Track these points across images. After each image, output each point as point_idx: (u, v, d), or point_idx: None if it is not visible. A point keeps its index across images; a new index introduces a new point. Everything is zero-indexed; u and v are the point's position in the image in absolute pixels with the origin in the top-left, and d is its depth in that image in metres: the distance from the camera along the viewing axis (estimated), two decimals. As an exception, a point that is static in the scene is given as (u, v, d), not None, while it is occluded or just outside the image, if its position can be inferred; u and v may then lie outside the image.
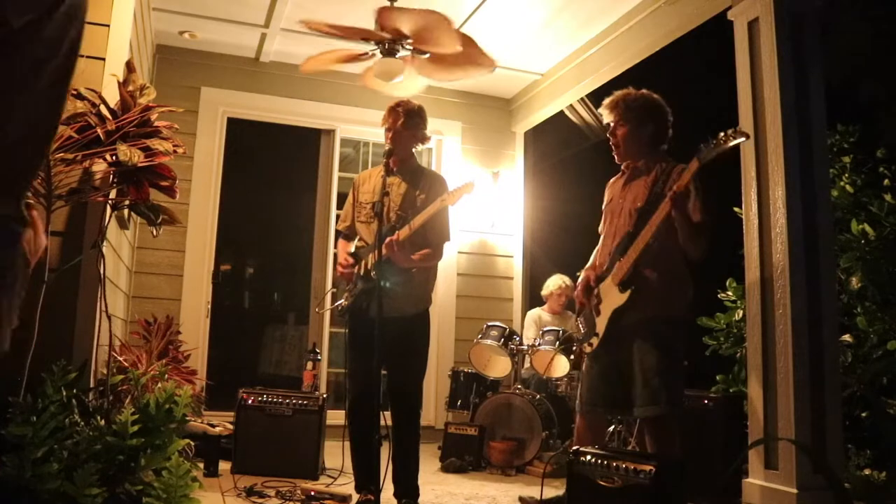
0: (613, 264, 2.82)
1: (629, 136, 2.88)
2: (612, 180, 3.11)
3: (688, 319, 2.86)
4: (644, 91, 2.93)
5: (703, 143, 2.58)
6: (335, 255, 5.44)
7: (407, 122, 3.14)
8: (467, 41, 3.69)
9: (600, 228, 3.13)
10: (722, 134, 2.53)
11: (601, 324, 2.84)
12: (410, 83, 4.05)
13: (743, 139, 2.53)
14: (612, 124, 2.92)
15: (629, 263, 2.74)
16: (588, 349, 2.90)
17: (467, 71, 3.99)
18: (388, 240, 2.93)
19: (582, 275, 3.04)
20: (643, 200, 2.79)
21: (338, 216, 5.44)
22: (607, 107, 2.94)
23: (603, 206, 3.09)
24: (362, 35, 3.74)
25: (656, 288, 2.74)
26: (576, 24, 4.82)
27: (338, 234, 3.45)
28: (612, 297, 2.80)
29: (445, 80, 4.11)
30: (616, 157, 2.96)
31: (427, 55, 3.82)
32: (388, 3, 3.97)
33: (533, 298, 5.70)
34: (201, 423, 4.01)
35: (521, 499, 3.49)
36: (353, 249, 3.25)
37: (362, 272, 3.11)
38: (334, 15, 4.30)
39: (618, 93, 2.95)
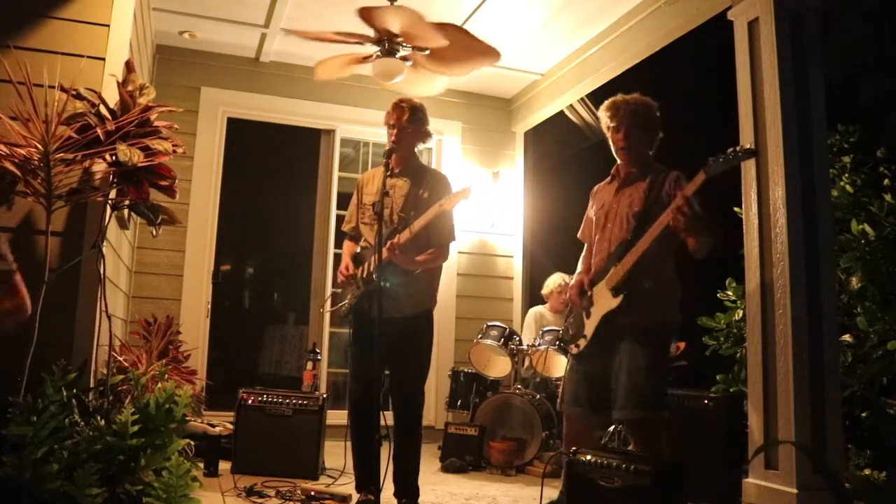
0: (609, 269, 2.83)
1: (634, 140, 2.88)
2: (598, 186, 3.11)
3: (677, 325, 2.86)
4: (641, 96, 2.93)
5: (712, 158, 2.58)
6: (336, 255, 5.47)
7: (412, 117, 3.14)
8: (463, 35, 3.68)
9: (581, 234, 3.14)
10: (731, 150, 2.54)
11: (590, 326, 2.85)
12: (428, 83, 4.05)
13: (751, 157, 2.56)
14: (613, 127, 2.91)
15: (625, 269, 2.74)
16: (575, 350, 2.91)
17: (472, 64, 3.97)
18: (388, 243, 2.93)
19: (575, 278, 3.04)
20: (640, 206, 2.81)
21: (338, 216, 5.46)
22: (609, 109, 2.93)
23: (591, 212, 3.07)
24: (357, 39, 3.74)
25: (649, 294, 2.75)
26: (576, 24, 4.82)
27: (341, 234, 3.45)
28: (604, 301, 2.81)
29: (454, 74, 4.09)
30: (621, 160, 2.95)
31: (427, 52, 3.82)
32: (387, 3, 3.97)
33: (533, 298, 5.70)
34: (201, 423, 4.01)
35: None
36: (358, 251, 3.25)
37: (366, 274, 3.10)
38: (334, 15, 4.31)
39: (618, 97, 2.95)
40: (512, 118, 6.23)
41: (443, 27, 3.57)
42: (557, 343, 4.40)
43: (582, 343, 2.87)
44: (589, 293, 2.90)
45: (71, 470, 2.24)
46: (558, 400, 3.02)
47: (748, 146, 2.56)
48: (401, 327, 2.98)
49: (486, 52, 3.81)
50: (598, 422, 3.59)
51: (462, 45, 3.75)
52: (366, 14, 3.49)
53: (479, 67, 4.04)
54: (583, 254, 3.15)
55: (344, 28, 3.75)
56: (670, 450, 2.79)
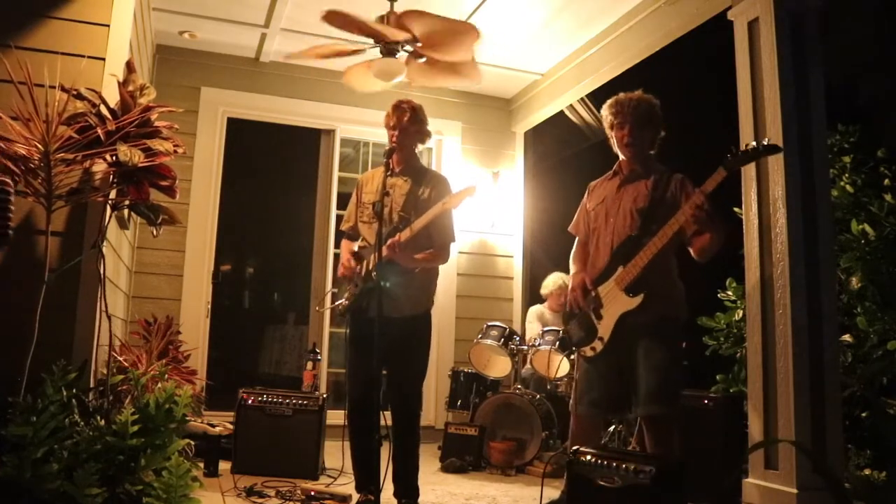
0: (615, 267, 2.82)
1: (637, 137, 2.89)
2: (597, 181, 3.11)
3: (685, 319, 2.87)
4: (643, 94, 2.94)
5: (731, 153, 2.59)
6: (336, 255, 5.47)
7: (413, 117, 3.15)
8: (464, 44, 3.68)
9: (574, 228, 3.13)
10: (751, 144, 2.56)
11: (606, 328, 2.83)
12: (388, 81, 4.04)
13: (774, 153, 2.57)
14: (617, 123, 2.92)
15: (638, 269, 2.74)
16: (591, 353, 2.89)
17: (454, 80, 3.98)
18: (389, 241, 2.93)
19: (575, 278, 3.03)
20: (645, 203, 2.83)
21: (338, 216, 5.46)
22: (612, 107, 2.94)
23: (588, 206, 3.07)
24: (358, 47, 3.73)
25: (659, 290, 2.76)
26: (576, 24, 4.82)
27: (340, 234, 3.45)
28: (619, 302, 2.79)
29: (430, 84, 4.10)
30: (624, 157, 2.96)
31: (423, 59, 3.81)
32: (387, 5, 3.96)
33: (533, 298, 5.70)
34: (201, 423, 4.01)
35: None
36: (356, 249, 3.25)
37: (364, 273, 3.11)
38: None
39: (621, 95, 2.96)
40: (512, 118, 6.23)
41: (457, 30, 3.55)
42: (558, 344, 4.40)
43: (598, 346, 2.86)
44: (593, 293, 2.89)
45: (71, 470, 2.24)
46: (571, 402, 3.01)
47: (768, 141, 2.55)
48: (399, 327, 2.98)
49: (472, 74, 3.82)
50: (605, 421, 3.61)
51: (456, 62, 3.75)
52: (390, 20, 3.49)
53: (457, 86, 4.05)
54: (574, 249, 3.14)
55: (344, 32, 3.73)
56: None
